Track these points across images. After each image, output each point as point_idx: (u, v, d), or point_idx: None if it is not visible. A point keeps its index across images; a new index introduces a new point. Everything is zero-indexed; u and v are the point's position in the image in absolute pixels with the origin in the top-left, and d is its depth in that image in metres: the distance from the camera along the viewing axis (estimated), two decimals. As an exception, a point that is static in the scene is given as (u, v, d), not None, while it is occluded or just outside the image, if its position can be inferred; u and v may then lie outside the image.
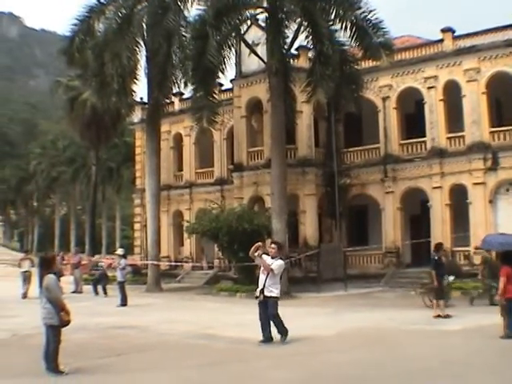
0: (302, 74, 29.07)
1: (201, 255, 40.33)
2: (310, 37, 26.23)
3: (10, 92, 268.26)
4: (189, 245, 40.56)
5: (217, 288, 28.55)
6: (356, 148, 34.75)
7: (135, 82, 32.98)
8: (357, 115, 33.05)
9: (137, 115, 44.38)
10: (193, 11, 31.17)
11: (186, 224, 36.96)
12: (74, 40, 31.56)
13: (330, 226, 34.69)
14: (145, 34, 32.21)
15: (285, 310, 12.51)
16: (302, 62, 32.92)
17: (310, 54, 30.94)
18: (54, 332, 10.26)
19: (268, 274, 13.00)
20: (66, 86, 45.11)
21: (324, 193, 34.36)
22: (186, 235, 38.62)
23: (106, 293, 27.97)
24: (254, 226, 28.64)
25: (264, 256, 13.30)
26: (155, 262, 32.81)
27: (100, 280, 28.86)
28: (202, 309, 22.60)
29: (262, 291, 13.06)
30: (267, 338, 12.99)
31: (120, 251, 26.81)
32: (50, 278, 10.37)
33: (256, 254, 13.30)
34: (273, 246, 13.73)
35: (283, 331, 13.12)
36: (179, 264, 39.70)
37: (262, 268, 13.22)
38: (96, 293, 28.08)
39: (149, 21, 31.69)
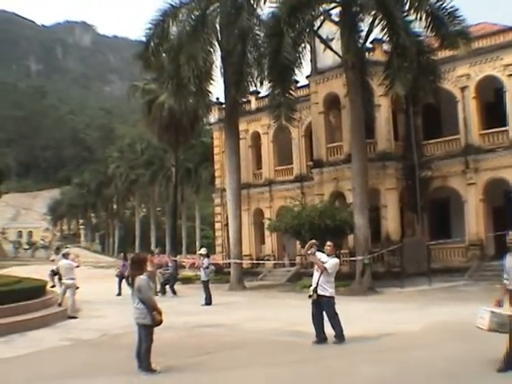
0: (379, 68, 28.78)
1: (282, 253, 40.35)
2: (386, 29, 25.74)
3: (86, 99, 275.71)
4: (270, 243, 40.66)
5: (300, 285, 28.38)
6: (435, 140, 34.24)
7: (211, 83, 33.14)
8: (435, 106, 32.58)
9: (214, 115, 44.81)
10: (266, 9, 31.27)
11: (267, 222, 37.07)
12: (149, 44, 31.92)
13: (411, 219, 34.30)
14: (219, 34, 32.38)
15: (369, 305, 12.37)
16: (378, 56, 32.67)
17: (386, 47, 30.61)
18: (146, 331, 10.39)
19: (321, 273, 12.73)
20: (142, 89, 45.68)
21: (405, 186, 33.99)
22: (267, 233, 38.73)
23: (174, 292, 28.28)
24: (336, 221, 28.63)
25: (319, 254, 13.04)
26: (237, 261, 32.95)
27: (169, 280, 29.10)
28: (287, 306, 22.50)
29: (315, 290, 12.73)
30: (321, 339, 12.69)
31: (203, 251, 26.97)
32: (141, 278, 10.50)
33: (309, 252, 13.08)
34: (328, 243, 13.43)
35: (340, 333, 12.66)
36: (261, 262, 39.82)
37: (315, 266, 12.96)
38: (163, 293, 28.17)
39: (222, 21, 31.88)
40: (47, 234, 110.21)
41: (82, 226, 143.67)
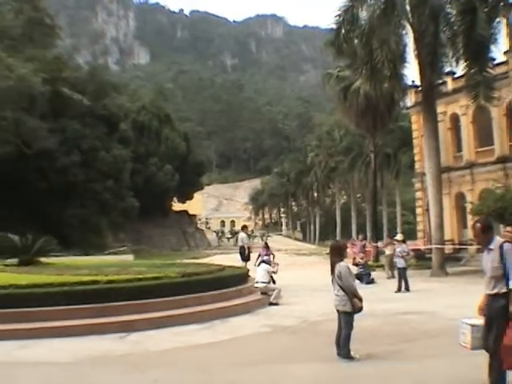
0: None
1: (485, 237, 38.80)
2: None
3: (282, 89, 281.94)
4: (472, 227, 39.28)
5: (506, 270, 27.16)
6: None
7: (405, 66, 32.62)
8: None
9: (410, 99, 44.03)
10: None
11: (469, 205, 35.87)
12: (340, 31, 31.89)
13: None
14: (409, 15, 31.65)
15: None
16: None
17: None
18: (346, 318, 10.47)
19: None
20: (336, 77, 45.79)
21: None
22: (469, 217, 37.49)
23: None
24: (542, 203, 27.11)
25: None
26: (439, 246, 32.16)
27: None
28: (491, 293, 21.60)
29: None
30: None
31: (399, 237, 26.61)
32: (342, 265, 10.58)
33: None
34: (508, 229, 12.43)
35: None
36: (463, 247, 38.62)
37: None
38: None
39: (412, 2, 31.09)
40: (249, 223, 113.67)
41: (282, 215, 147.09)
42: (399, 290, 23.19)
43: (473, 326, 8.12)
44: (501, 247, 7.63)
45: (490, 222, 8.40)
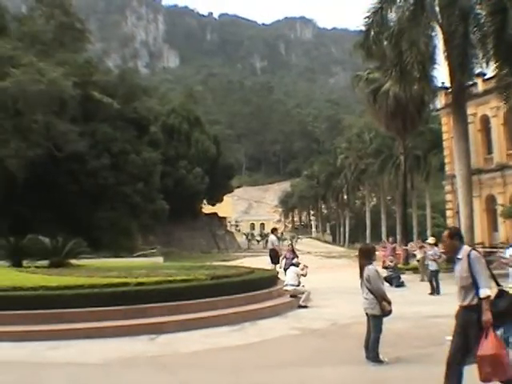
0: None
1: (517, 240, 38.49)
2: None
3: (311, 92, 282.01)
4: (503, 230, 38.92)
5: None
6: None
7: (435, 67, 32.44)
8: None
9: (440, 101, 43.76)
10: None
11: (500, 208, 35.53)
12: (369, 33, 31.84)
13: None
14: (439, 17, 31.45)
15: None
16: None
17: None
18: (375, 322, 10.44)
19: None
20: (366, 79, 45.61)
21: None
22: (500, 220, 37.14)
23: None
24: None
25: None
26: (469, 249, 31.83)
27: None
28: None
29: None
30: None
31: (431, 240, 26.43)
32: (370, 268, 10.57)
33: None
34: None
35: None
36: (494, 250, 38.22)
37: None
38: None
39: (441, 3, 30.89)
40: (279, 225, 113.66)
41: (312, 217, 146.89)
42: (433, 292, 23.07)
43: None
44: (469, 256, 7.43)
45: (459, 230, 8.24)
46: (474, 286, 7.33)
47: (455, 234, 7.76)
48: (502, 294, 7.51)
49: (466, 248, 7.61)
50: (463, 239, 7.87)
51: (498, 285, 7.64)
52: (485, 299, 7.23)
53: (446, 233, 7.81)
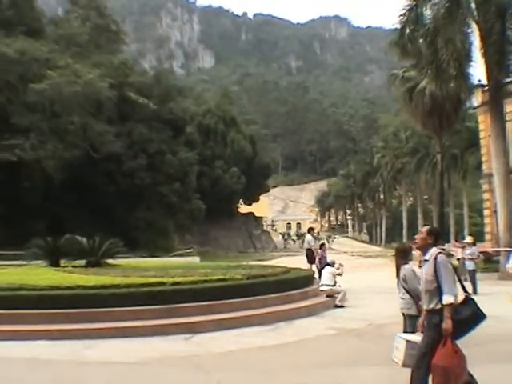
0: None
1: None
2: None
3: (347, 91, 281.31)
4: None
5: None
6: None
7: (471, 65, 32.14)
8: None
9: (477, 99, 43.21)
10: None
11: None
12: (404, 31, 31.66)
13: None
14: (475, 13, 31.11)
15: None
16: None
17: None
18: (411, 322, 10.35)
19: None
20: (401, 77, 45.27)
21: None
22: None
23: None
24: None
25: None
26: (507, 249, 31.43)
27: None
28: None
29: None
30: None
31: (469, 239, 26.18)
32: (406, 268, 10.48)
33: None
34: None
35: None
36: (533, 251, 37.69)
37: None
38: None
39: (478, 0, 30.62)
40: (315, 225, 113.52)
41: (349, 217, 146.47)
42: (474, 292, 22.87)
43: (408, 341, 7.77)
44: (435, 259, 7.25)
45: (439, 231, 8.14)
46: (438, 291, 7.18)
47: (432, 233, 7.61)
48: (467, 301, 7.34)
49: (433, 250, 7.42)
50: (438, 242, 7.70)
51: (464, 291, 7.49)
52: (447, 306, 7.06)
53: (425, 228, 7.76)
